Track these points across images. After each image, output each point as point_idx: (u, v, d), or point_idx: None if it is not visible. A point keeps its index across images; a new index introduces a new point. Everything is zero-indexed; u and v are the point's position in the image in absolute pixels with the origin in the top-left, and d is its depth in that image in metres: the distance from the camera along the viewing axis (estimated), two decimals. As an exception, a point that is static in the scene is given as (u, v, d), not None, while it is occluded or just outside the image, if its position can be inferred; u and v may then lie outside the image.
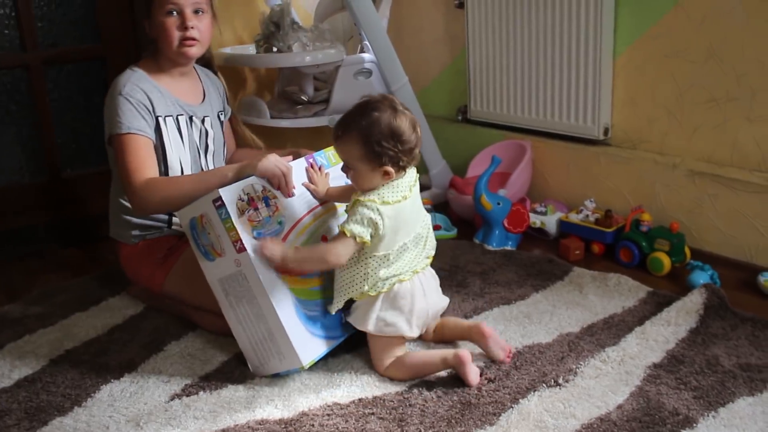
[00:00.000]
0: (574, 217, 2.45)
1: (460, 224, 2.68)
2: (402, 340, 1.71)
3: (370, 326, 1.67)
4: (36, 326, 2.04)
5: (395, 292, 1.66)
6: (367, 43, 2.71)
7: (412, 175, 1.70)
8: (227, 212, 1.62)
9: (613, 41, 2.46)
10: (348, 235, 1.60)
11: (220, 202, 1.63)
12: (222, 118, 2.23)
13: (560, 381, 1.63)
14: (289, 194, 1.73)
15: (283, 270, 1.67)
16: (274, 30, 2.74)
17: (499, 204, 2.45)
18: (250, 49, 2.92)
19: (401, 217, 1.65)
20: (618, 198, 2.51)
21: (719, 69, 2.21)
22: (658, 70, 2.36)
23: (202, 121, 2.12)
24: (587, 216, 2.44)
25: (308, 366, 1.68)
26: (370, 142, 1.61)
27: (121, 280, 2.26)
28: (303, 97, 2.88)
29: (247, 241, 1.63)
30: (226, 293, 1.70)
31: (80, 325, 2.04)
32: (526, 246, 2.49)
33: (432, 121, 2.96)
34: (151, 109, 1.98)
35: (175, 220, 2.07)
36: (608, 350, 1.75)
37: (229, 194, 1.64)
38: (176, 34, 2.00)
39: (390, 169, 1.63)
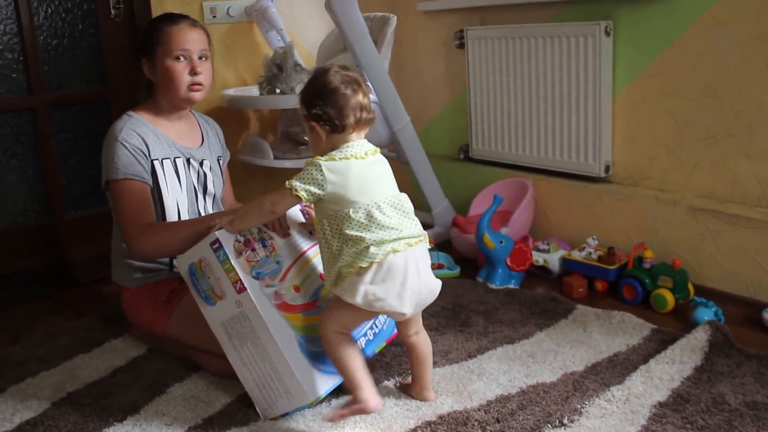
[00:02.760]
0: (577, 255, 2.46)
1: (463, 263, 2.68)
2: (372, 314, 1.64)
3: (358, 298, 1.55)
4: (38, 369, 2.03)
5: (389, 263, 1.56)
6: (369, 83, 2.74)
7: (368, 144, 1.67)
8: (225, 253, 1.64)
9: (612, 80, 2.48)
10: (288, 186, 1.60)
11: (217, 245, 1.65)
12: (221, 163, 2.25)
13: (565, 421, 1.62)
14: (284, 234, 1.76)
15: (285, 307, 1.67)
16: (277, 72, 2.78)
17: (501, 242, 2.45)
18: (254, 91, 2.96)
19: (355, 174, 1.59)
20: (620, 235, 2.51)
21: (717, 106, 2.23)
22: (657, 107, 2.39)
23: (201, 164, 2.14)
24: (590, 253, 2.44)
25: (316, 402, 1.67)
26: (303, 102, 1.67)
27: (123, 322, 2.25)
28: (305, 138, 2.91)
29: (247, 281, 1.64)
30: (229, 336, 1.70)
31: (83, 367, 2.04)
32: (529, 284, 2.49)
33: (434, 159, 2.99)
34: (146, 153, 2.00)
35: (176, 262, 2.08)
36: (613, 389, 1.73)
37: (226, 236, 1.66)
38: (185, 80, 2.02)
39: (316, 125, 1.64)
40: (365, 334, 1.83)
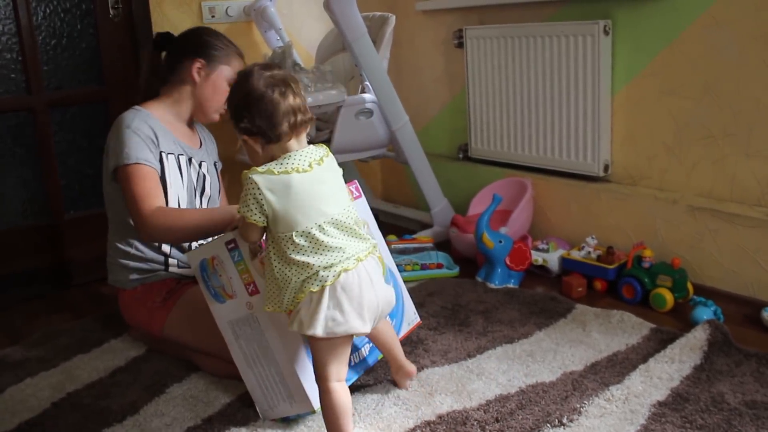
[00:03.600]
0: (576, 254, 2.46)
1: (462, 263, 2.68)
2: (350, 339, 1.52)
3: (318, 330, 1.44)
4: (38, 369, 2.03)
5: (341, 283, 1.45)
6: (368, 83, 2.74)
7: (314, 151, 1.54)
8: (240, 254, 1.62)
9: (611, 79, 2.48)
10: (240, 214, 1.49)
11: (233, 245, 1.63)
12: (217, 168, 2.27)
13: (565, 421, 1.62)
14: None
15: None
16: (276, 71, 2.77)
17: (500, 242, 2.45)
18: (252, 91, 2.95)
19: (296, 193, 1.46)
20: (619, 234, 2.51)
21: (716, 105, 2.23)
22: (656, 107, 2.39)
23: (200, 165, 2.16)
24: (589, 253, 2.44)
25: (319, 410, 1.66)
26: (230, 114, 1.54)
27: (123, 322, 2.25)
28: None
29: (261, 285, 1.62)
30: (236, 335, 1.69)
31: (82, 368, 2.04)
32: (528, 284, 2.49)
33: (433, 159, 2.99)
34: (156, 143, 2.01)
35: (171, 261, 2.08)
36: (612, 389, 1.73)
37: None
38: (222, 104, 2.09)
39: (248, 138, 1.52)
40: (369, 341, 1.83)
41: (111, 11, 2.77)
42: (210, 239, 1.77)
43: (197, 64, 2.06)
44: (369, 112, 2.82)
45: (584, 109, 2.53)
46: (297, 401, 1.66)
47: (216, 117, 2.14)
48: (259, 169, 1.47)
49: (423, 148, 2.90)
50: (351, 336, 1.52)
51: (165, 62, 2.13)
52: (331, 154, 1.59)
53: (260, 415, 1.72)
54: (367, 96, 2.79)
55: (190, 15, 2.92)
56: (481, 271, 2.53)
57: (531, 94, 2.71)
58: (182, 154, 2.09)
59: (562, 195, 2.68)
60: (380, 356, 1.88)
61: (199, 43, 2.08)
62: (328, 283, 1.45)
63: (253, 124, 1.50)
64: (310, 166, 1.50)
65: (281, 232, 1.47)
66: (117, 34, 2.79)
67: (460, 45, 2.97)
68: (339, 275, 1.45)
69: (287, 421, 1.70)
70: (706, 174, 2.30)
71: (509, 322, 2.16)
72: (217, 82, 2.09)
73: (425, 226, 3.00)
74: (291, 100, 1.50)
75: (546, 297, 2.31)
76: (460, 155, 3.10)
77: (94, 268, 2.73)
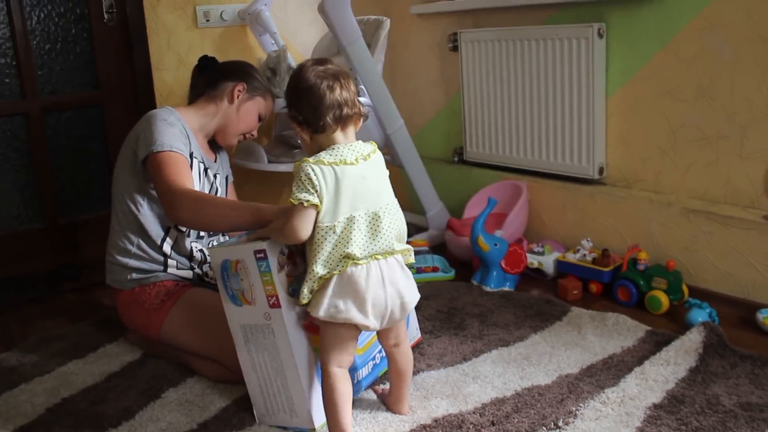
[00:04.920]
0: (572, 257, 2.46)
1: (458, 266, 2.68)
2: (354, 330, 1.56)
3: (321, 311, 1.51)
4: (32, 374, 2.03)
5: (348, 275, 1.50)
6: (362, 87, 2.74)
7: (362, 147, 1.58)
8: (268, 266, 1.58)
9: (606, 82, 2.49)
10: (295, 203, 1.50)
11: (262, 255, 1.58)
12: (227, 181, 2.32)
13: (560, 424, 1.62)
14: None
15: (311, 328, 1.64)
16: (271, 76, 2.77)
17: (496, 245, 2.45)
18: (247, 94, 2.95)
19: (344, 183, 1.51)
20: (614, 237, 2.52)
21: (709, 108, 2.24)
22: (650, 109, 2.39)
23: (214, 177, 2.20)
24: (584, 255, 2.44)
25: (318, 429, 1.65)
26: (287, 103, 1.61)
27: (118, 326, 2.25)
28: (299, 141, 2.91)
29: (283, 298, 1.59)
30: (247, 340, 1.67)
31: (77, 373, 2.03)
32: (524, 287, 2.49)
33: (428, 162, 2.99)
34: (188, 143, 2.05)
35: (171, 263, 2.07)
36: (608, 391, 1.74)
37: (272, 248, 1.58)
38: (245, 131, 2.23)
39: (297, 127, 1.59)
40: (373, 358, 1.82)
41: (105, 15, 2.77)
42: (236, 239, 1.74)
43: (239, 86, 2.18)
44: (364, 116, 2.81)
45: (579, 111, 2.53)
46: (298, 416, 1.65)
47: (234, 141, 2.25)
48: (310, 159, 1.52)
49: (418, 151, 2.90)
50: (356, 328, 1.55)
51: (205, 79, 2.22)
52: (378, 151, 1.62)
53: (257, 419, 1.72)
54: (362, 99, 2.79)
55: (185, 19, 2.92)
56: (476, 274, 2.53)
57: (526, 98, 2.71)
58: (201, 162, 2.13)
59: (557, 198, 2.69)
60: (381, 372, 1.87)
61: (245, 72, 2.23)
62: (337, 271, 1.50)
63: (300, 114, 1.57)
64: (356, 160, 1.55)
65: (324, 223, 1.51)
66: (112, 39, 2.79)
67: (455, 48, 2.97)
68: (347, 266, 1.50)
69: (284, 427, 1.69)
70: (701, 176, 2.30)
71: (505, 326, 2.16)
72: (250, 109, 2.21)
73: (421, 229, 3.00)
74: (337, 94, 1.55)
75: (541, 300, 2.32)
76: (456, 158, 3.10)
77: (89, 273, 2.72)
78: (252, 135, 2.27)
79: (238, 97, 2.18)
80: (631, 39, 2.41)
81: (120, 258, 2.08)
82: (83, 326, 2.36)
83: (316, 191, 1.50)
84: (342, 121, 1.57)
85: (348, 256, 1.50)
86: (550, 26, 2.58)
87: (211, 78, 2.20)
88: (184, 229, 2.09)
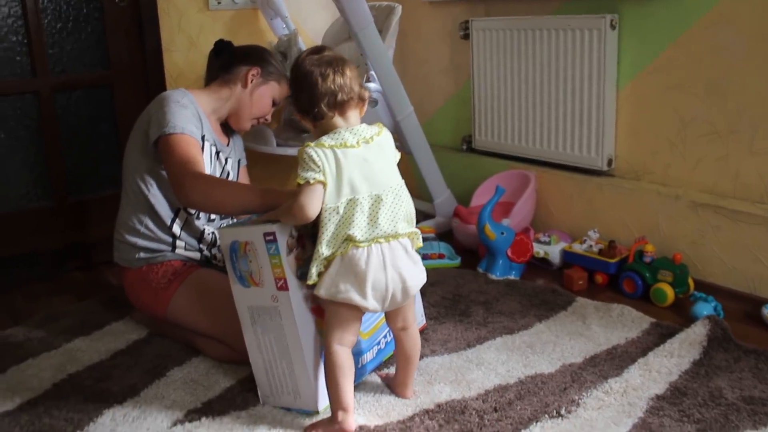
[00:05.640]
0: (578, 248, 2.46)
1: (464, 253, 2.69)
2: (356, 311, 1.58)
3: (322, 290, 1.55)
4: (39, 350, 2.04)
5: (349, 256, 1.52)
6: (373, 72, 2.74)
7: (365, 129, 1.59)
8: (278, 249, 1.58)
9: (617, 74, 2.48)
10: (302, 182, 1.52)
11: (272, 237, 1.58)
12: (240, 164, 2.32)
13: (562, 412, 1.63)
14: None
15: (318, 311, 1.65)
16: (282, 60, 2.77)
17: (502, 234, 2.46)
18: (257, 78, 2.95)
19: (345, 165, 1.53)
20: (621, 229, 2.52)
21: (721, 102, 2.23)
22: (661, 102, 2.39)
23: (226, 160, 2.20)
24: (591, 246, 2.44)
25: (322, 411, 1.66)
26: (291, 95, 1.66)
27: (124, 305, 2.27)
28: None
29: (291, 282, 1.60)
30: (253, 321, 1.68)
31: (83, 350, 2.04)
32: (529, 276, 2.50)
33: (436, 150, 2.99)
34: (201, 125, 2.05)
35: (179, 243, 2.08)
36: (611, 381, 1.74)
37: (282, 230, 1.59)
38: (259, 115, 2.22)
39: (301, 117, 1.62)
40: (378, 343, 1.83)
41: (117, -5, 2.77)
42: (246, 219, 1.74)
43: (253, 71, 2.17)
44: (373, 102, 2.82)
45: (589, 103, 2.52)
46: (303, 398, 1.66)
47: (248, 126, 2.24)
48: (311, 143, 1.55)
49: (427, 138, 2.90)
50: (358, 309, 1.57)
51: (220, 62, 2.21)
52: (386, 134, 1.64)
53: (261, 400, 1.73)
54: (372, 85, 2.79)
55: (196, 1, 2.92)
56: (482, 262, 2.54)
57: (536, 87, 2.70)
58: (213, 145, 2.13)
59: (565, 188, 2.69)
60: (386, 357, 1.88)
61: (260, 57, 2.21)
62: (340, 252, 1.53)
63: (298, 102, 1.62)
64: (357, 143, 1.57)
65: (328, 204, 1.53)
66: (123, 19, 2.79)
67: (466, 36, 2.96)
68: (349, 247, 1.52)
69: (287, 408, 1.70)
70: (710, 170, 2.30)
71: (509, 314, 2.16)
72: (264, 93, 2.20)
73: (428, 216, 3.00)
74: (330, 81, 1.57)
75: (547, 289, 2.32)
76: (464, 147, 3.10)
77: (97, 252, 2.74)
78: (266, 119, 2.26)
79: (252, 81, 2.17)
80: (643, 31, 2.40)
81: (129, 237, 2.09)
82: (90, 304, 2.37)
83: (321, 170, 1.52)
84: (338, 107, 1.59)
85: (349, 238, 1.52)
86: (563, 16, 2.57)
87: (225, 62, 2.20)
88: (193, 211, 2.10)
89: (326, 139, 1.56)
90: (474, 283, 2.40)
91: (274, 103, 2.24)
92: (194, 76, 2.91)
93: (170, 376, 1.88)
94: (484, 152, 3.00)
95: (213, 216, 2.16)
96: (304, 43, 2.94)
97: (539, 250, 2.53)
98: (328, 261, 1.54)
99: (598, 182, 2.57)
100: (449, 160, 3.08)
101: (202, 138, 2.05)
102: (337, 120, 1.60)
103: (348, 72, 1.60)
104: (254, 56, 2.20)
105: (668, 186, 2.40)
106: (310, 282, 1.56)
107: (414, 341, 1.70)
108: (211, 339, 1.94)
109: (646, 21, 2.38)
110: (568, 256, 2.48)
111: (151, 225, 2.07)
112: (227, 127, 2.26)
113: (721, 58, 2.21)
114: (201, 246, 2.13)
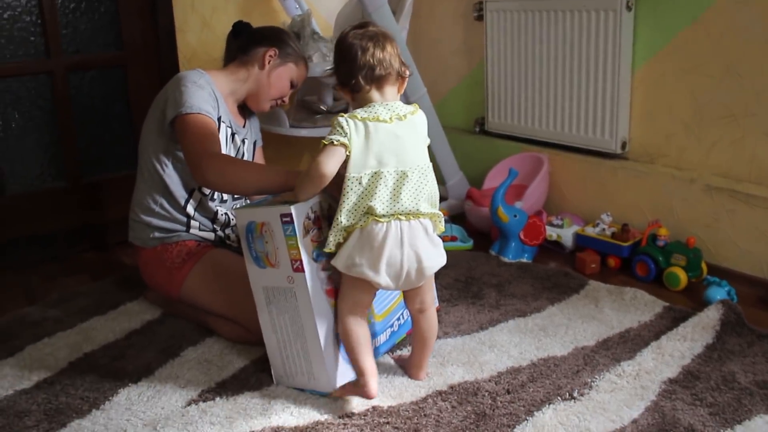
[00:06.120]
0: (591, 231, 2.45)
1: (477, 236, 2.69)
2: (370, 285, 1.59)
3: (339, 263, 1.58)
4: (55, 329, 2.06)
5: (368, 230, 1.54)
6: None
7: (399, 107, 1.61)
8: (294, 230, 1.58)
9: (632, 55, 2.46)
10: (326, 143, 1.54)
11: (288, 219, 1.58)
12: (256, 145, 2.32)
13: (575, 394, 1.64)
14: None
15: (333, 293, 1.66)
16: (295, 40, 2.76)
17: (515, 216, 2.45)
18: (270, 59, 2.94)
19: (375, 138, 1.55)
20: (635, 212, 2.51)
21: (738, 85, 2.21)
22: (677, 84, 2.37)
23: (242, 141, 2.20)
24: (604, 230, 2.44)
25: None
26: (333, 67, 1.67)
27: (138, 285, 2.28)
28: (322, 107, 2.91)
29: (307, 263, 1.60)
30: (268, 301, 1.68)
31: (98, 329, 2.06)
32: (542, 259, 2.50)
33: (449, 132, 2.98)
34: (216, 107, 2.05)
35: (193, 224, 2.09)
36: (624, 364, 1.74)
37: (299, 211, 1.59)
38: (277, 97, 2.21)
39: (341, 89, 1.65)
40: (392, 326, 1.83)
41: (130, -25, 2.76)
42: (263, 199, 1.75)
43: (270, 52, 2.15)
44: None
45: (603, 85, 2.51)
46: (317, 380, 1.67)
47: (266, 107, 2.22)
48: (345, 114, 1.58)
49: (440, 120, 2.89)
50: (372, 285, 1.58)
51: (238, 44, 2.20)
52: (420, 114, 1.65)
53: (274, 380, 1.75)
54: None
55: (210, -19, 2.91)
56: (495, 244, 2.54)
57: (550, 69, 2.68)
58: (229, 127, 2.12)
59: (578, 171, 2.67)
60: (399, 339, 1.89)
61: (278, 38, 2.20)
62: (359, 225, 1.55)
63: (338, 74, 1.64)
64: (390, 119, 1.58)
65: (351, 173, 1.55)
66: (136, -1, 2.79)
67: (480, 18, 2.94)
68: (368, 222, 1.54)
69: (301, 389, 1.72)
70: (725, 154, 2.28)
71: (522, 296, 2.16)
72: (282, 75, 2.18)
73: (440, 198, 2.99)
74: (369, 54, 1.59)
75: (559, 272, 2.32)
76: (477, 129, 3.09)
77: (111, 232, 2.75)
78: (284, 101, 2.25)
79: (269, 62, 2.16)
80: (659, 12, 2.37)
81: (143, 216, 2.09)
82: (104, 284, 2.39)
83: (347, 136, 1.54)
84: (375, 81, 1.61)
85: (369, 210, 1.54)
86: (578, -3, 2.54)
87: (243, 43, 2.19)
88: (207, 192, 2.10)
89: (359, 112, 1.59)
90: (486, 265, 2.40)
91: (292, 85, 2.23)
92: (207, 57, 2.91)
93: (184, 356, 1.89)
94: (497, 134, 2.99)
95: (225, 197, 2.16)
96: (317, 24, 2.92)
97: (552, 233, 2.52)
98: (348, 233, 1.56)
99: (612, 165, 2.56)
100: (462, 142, 3.08)
101: (218, 119, 2.04)
102: (374, 94, 1.62)
103: (389, 48, 1.62)
104: (272, 37, 2.19)
105: (683, 169, 2.39)
106: (326, 250, 1.58)
107: (431, 324, 1.71)
108: (224, 319, 1.95)
109: (663, 2, 2.35)
110: (580, 240, 2.47)
111: (165, 205, 2.07)
112: (245, 109, 2.26)
113: (739, 40, 2.18)
114: (215, 226, 2.14)
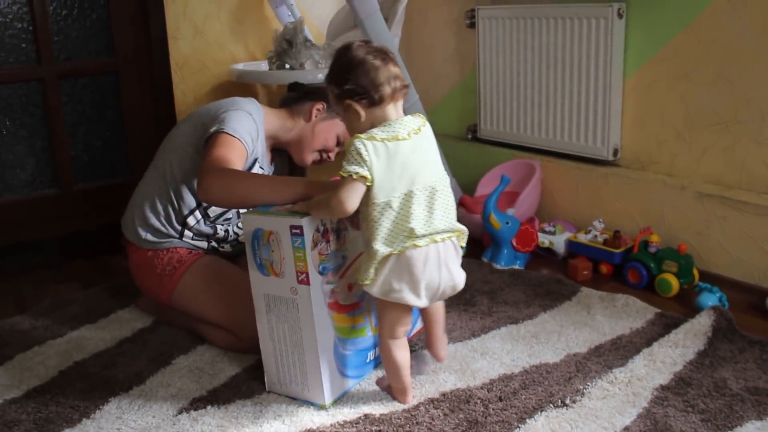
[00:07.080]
0: (583, 238, 2.46)
1: (469, 243, 2.63)
2: (407, 307, 1.61)
3: (375, 290, 1.56)
4: (45, 337, 2.05)
5: (408, 257, 1.53)
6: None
7: (412, 121, 1.59)
8: (303, 243, 1.56)
9: (623, 63, 2.47)
10: (345, 175, 1.50)
11: (298, 231, 1.56)
12: None
13: (567, 401, 1.63)
14: (358, 227, 1.67)
15: (335, 307, 1.66)
16: (287, 47, 2.77)
17: (507, 223, 2.46)
18: (263, 66, 2.95)
19: (398, 159, 1.52)
20: (626, 219, 2.51)
21: (728, 92, 2.22)
22: (668, 91, 2.38)
23: None
24: (596, 236, 2.44)
25: (329, 405, 1.67)
26: (333, 82, 1.60)
27: (130, 293, 2.27)
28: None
29: (313, 276, 1.59)
30: (268, 309, 1.67)
31: (89, 337, 2.05)
32: (534, 266, 2.50)
33: (442, 139, 2.95)
34: (254, 144, 2.01)
35: (187, 233, 2.08)
36: (616, 371, 1.74)
37: (309, 224, 1.57)
38: (321, 149, 2.18)
39: (351, 102, 1.56)
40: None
41: (122, -18, 2.76)
42: (274, 209, 1.68)
43: (318, 105, 2.16)
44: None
45: (595, 92, 2.51)
46: (311, 391, 1.67)
47: (309, 160, 2.19)
48: (362, 135, 1.52)
49: (432, 127, 2.88)
50: (409, 306, 1.60)
51: (292, 97, 2.23)
52: (428, 125, 1.64)
53: (267, 387, 1.74)
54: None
55: (202, -12, 2.91)
56: (487, 251, 2.54)
57: (542, 76, 2.69)
58: (261, 168, 2.11)
59: (570, 178, 2.68)
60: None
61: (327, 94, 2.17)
62: (396, 251, 1.53)
63: (357, 85, 1.55)
64: (409, 135, 1.55)
65: (380, 198, 1.52)
66: (128, 6, 2.78)
67: (472, 25, 2.95)
68: (407, 248, 1.53)
69: (293, 398, 1.71)
70: (716, 161, 2.29)
71: (514, 303, 2.16)
72: (327, 128, 2.17)
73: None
74: (391, 66, 1.57)
75: (551, 279, 2.32)
76: (469, 135, 3.10)
77: (102, 240, 2.74)
78: (329, 156, 2.21)
79: (316, 116, 2.15)
80: (650, 20, 2.38)
81: (146, 210, 2.06)
82: (95, 292, 2.38)
83: (366, 165, 1.49)
84: (396, 94, 1.57)
85: (411, 232, 1.52)
86: (569, 5, 2.55)
87: (297, 96, 2.21)
88: (212, 214, 2.07)
89: (378, 132, 1.53)
90: (479, 272, 2.40)
91: (338, 142, 2.19)
92: (199, 64, 2.91)
93: (176, 364, 1.89)
94: (489, 141, 3.00)
95: (230, 214, 2.12)
96: (310, 32, 2.93)
97: (544, 239, 2.53)
98: (384, 259, 1.54)
99: (604, 172, 2.56)
100: (454, 149, 3.08)
101: (254, 161, 2.04)
102: (391, 108, 1.58)
103: (396, 62, 1.62)
104: (321, 92, 2.15)
105: (674, 176, 2.40)
106: (367, 282, 1.56)
107: (439, 306, 1.76)
108: (216, 327, 1.95)
109: (654, 10, 2.37)
110: (572, 246, 2.48)
111: (169, 209, 2.05)
112: (275, 151, 2.25)
113: (730, 47, 2.20)
114: (211, 241, 2.13)
